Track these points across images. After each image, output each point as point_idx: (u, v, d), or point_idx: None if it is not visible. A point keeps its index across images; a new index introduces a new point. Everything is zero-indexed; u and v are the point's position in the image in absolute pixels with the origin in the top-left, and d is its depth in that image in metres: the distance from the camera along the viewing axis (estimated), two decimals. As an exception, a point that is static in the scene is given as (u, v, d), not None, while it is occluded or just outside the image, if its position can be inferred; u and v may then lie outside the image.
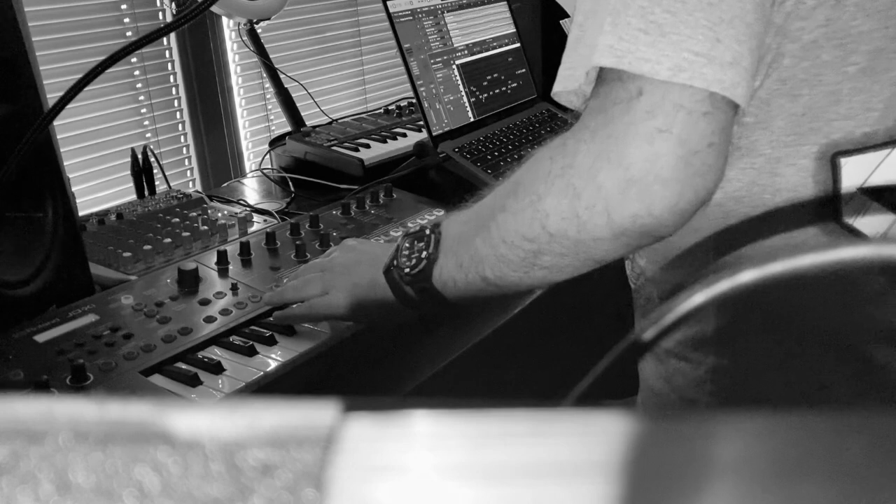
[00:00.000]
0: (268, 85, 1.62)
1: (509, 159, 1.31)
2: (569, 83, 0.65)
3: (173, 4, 1.44)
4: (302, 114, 1.58)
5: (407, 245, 0.76)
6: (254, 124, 1.71)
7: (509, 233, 0.66)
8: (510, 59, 1.52)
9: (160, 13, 1.50)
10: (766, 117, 0.67)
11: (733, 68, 0.58)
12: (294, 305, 0.86)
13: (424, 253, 0.73)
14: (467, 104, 1.39)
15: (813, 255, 0.24)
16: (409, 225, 1.10)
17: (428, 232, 0.74)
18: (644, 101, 0.59)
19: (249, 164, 1.69)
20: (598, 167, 0.60)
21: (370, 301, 0.79)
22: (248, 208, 1.24)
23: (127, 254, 1.01)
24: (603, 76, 0.62)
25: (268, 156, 1.48)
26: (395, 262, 0.76)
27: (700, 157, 0.59)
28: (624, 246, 0.63)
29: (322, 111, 1.67)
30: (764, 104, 0.67)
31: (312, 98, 1.67)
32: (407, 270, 0.74)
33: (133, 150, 1.26)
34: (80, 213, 1.13)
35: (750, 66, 0.60)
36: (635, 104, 0.59)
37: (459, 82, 1.39)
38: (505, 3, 1.54)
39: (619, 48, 0.59)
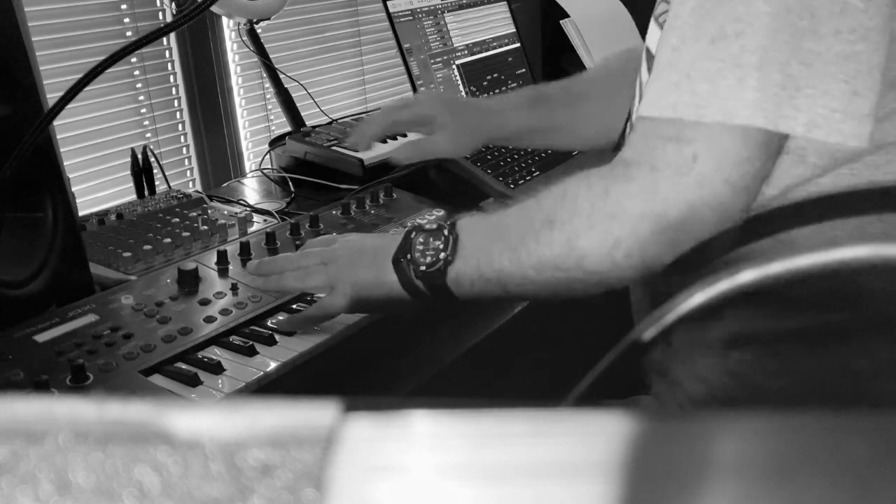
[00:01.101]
0: (268, 85, 1.62)
1: (509, 159, 1.31)
2: (666, 111, 0.65)
3: (173, 4, 1.44)
4: (302, 114, 1.59)
5: (421, 240, 0.76)
6: (254, 124, 1.71)
7: (541, 262, 0.70)
8: (510, 59, 1.52)
9: (160, 13, 1.50)
10: (880, 137, 0.66)
11: (869, 119, 0.60)
12: (296, 313, 0.86)
13: (442, 255, 0.74)
14: (467, 104, 1.39)
15: (813, 255, 0.24)
16: (410, 225, 1.10)
17: (446, 233, 0.74)
18: (697, 170, 0.62)
19: (249, 164, 1.69)
20: (644, 223, 0.64)
21: (376, 294, 0.79)
22: (248, 208, 1.24)
23: (127, 254, 1.01)
24: (659, 125, 0.64)
25: (268, 156, 1.48)
26: (407, 256, 0.76)
27: (732, 218, 0.65)
28: (641, 277, 0.69)
29: (322, 111, 1.67)
30: (878, 122, 0.66)
31: (312, 98, 1.67)
32: (423, 268, 0.74)
33: (133, 150, 1.26)
34: (80, 213, 1.13)
35: (877, 106, 0.61)
36: (689, 173, 0.63)
37: (459, 82, 1.39)
38: (505, 3, 1.55)
39: (766, 106, 0.60)
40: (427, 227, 0.76)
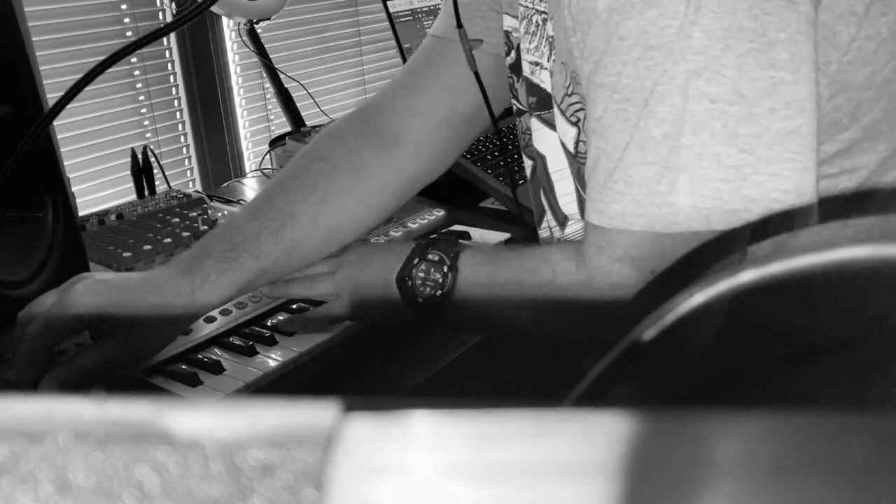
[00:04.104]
0: (268, 85, 1.62)
1: (509, 159, 1.31)
2: (615, 222, 0.61)
3: (173, 4, 1.44)
4: (302, 114, 1.59)
5: (423, 269, 0.75)
6: (254, 124, 1.71)
7: (536, 334, 0.74)
8: (510, 59, 1.52)
9: (160, 13, 1.50)
10: (851, 166, 0.66)
11: (816, 185, 0.58)
12: (302, 312, 0.87)
13: (440, 291, 0.74)
14: (467, 104, 1.39)
15: (813, 255, 0.24)
16: (410, 225, 1.10)
17: (446, 270, 0.74)
18: (656, 277, 0.61)
19: (249, 164, 1.69)
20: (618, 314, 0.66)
21: (380, 303, 0.79)
22: (248, 208, 1.23)
23: (127, 254, 1.01)
24: (611, 237, 0.62)
25: (268, 156, 1.48)
26: (409, 282, 0.76)
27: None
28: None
29: (322, 111, 1.67)
30: (847, 152, 0.65)
31: (312, 98, 1.67)
32: (420, 300, 0.75)
33: (133, 150, 1.26)
34: (80, 213, 1.13)
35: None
36: (649, 281, 0.61)
37: (459, 82, 1.38)
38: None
39: (703, 207, 0.57)
40: (430, 256, 0.75)
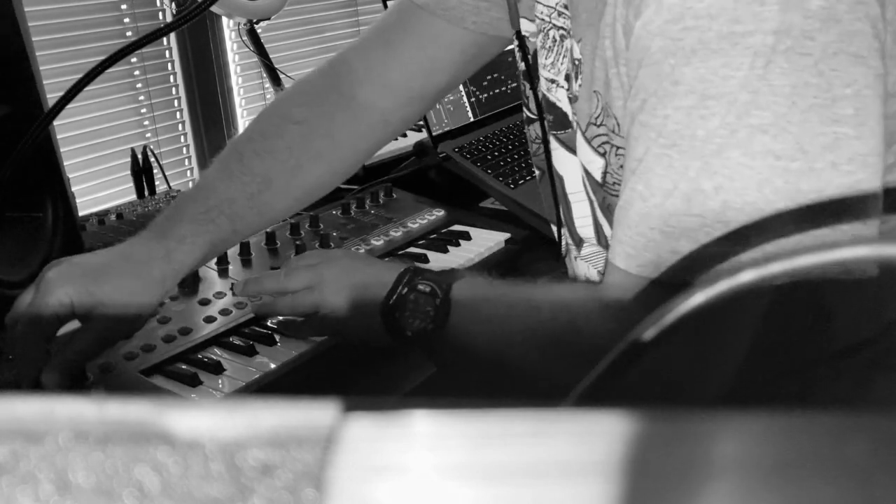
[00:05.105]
0: (268, 85, 1.62)
1: (509, 159, 1.31)
2: (647, 270, 0.59)
3: (173, 4, 1.44)
4: (302, 114, 1.58)
5: (412, 299, 0.72)
6: (254, 124, 1.70)
7: (539, 375, 0.70)
8: (510, 59, 1.52)
9: (160, 13, 1.50)
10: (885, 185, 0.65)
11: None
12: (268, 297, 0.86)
13: (431, 325, 0.71)
14: (467, 104, 1.39)
15: (813, 254, 0.24)
16: (410, 225, 1.10)
17: (438, 302, 0.71)
18: None
19: (249, 164, 1.69)
20: None
21: (364, 329, 0.77)
22: (248, 208, 1.23)
23: (127, 254, 1.01)
24: (642, 283, 0.59)
25: (268, 156, 1.48)
26: (395, 313, 0.73)
27: None
28: None
29: (322, 111, 1.67)
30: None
31: (312, 98, 1.67)
32: (409, 334, 0.72)
33: (133, 150, 1.26)
34: (80, 213, 1.13)
35: None
36: None
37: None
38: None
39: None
40: (420, 286, 0.72)
